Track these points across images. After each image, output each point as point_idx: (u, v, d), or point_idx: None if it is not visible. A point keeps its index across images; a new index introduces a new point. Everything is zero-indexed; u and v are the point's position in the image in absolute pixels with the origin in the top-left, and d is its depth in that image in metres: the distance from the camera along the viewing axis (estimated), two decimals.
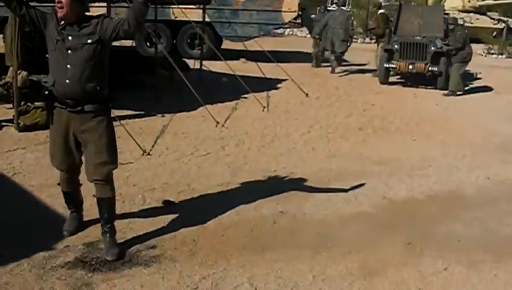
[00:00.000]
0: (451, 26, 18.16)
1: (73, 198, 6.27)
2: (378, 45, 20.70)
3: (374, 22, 22.14)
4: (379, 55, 19.74)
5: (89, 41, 5.39)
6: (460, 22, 19.82)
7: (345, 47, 21.34)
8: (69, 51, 5.39)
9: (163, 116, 11.86)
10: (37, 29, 5.65)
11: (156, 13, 14.94)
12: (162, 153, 9.37)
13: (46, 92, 5.63)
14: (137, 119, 11.57)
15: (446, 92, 17.07)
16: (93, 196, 5.94)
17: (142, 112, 12.05)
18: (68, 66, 5.40)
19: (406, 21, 19.50)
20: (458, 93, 17.12)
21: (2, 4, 5.69)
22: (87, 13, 5.58)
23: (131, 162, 8.79)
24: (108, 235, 5.85)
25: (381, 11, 21.67)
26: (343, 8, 23.06)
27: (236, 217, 6.82)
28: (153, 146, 9.50)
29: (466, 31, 18.33)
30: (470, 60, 17.58)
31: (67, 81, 5.41)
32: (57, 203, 6.83)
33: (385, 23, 20.42)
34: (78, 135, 5.64)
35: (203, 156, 9.37)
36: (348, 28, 21.53)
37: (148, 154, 9.21)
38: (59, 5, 5.30)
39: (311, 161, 9.41)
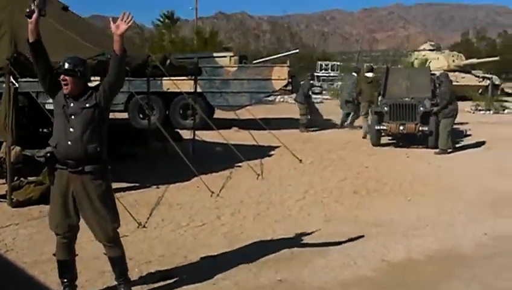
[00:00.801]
0: (439, 81, 18.47)
1: (68, 269, 6.26)
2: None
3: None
4: (362, 113, 21.16)
5: (87, 105, 5.84)
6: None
7: (349, 109, 23.31)
8: (72, 116, 5.83)
9: (157, 188, 11.85)
10: (48, 92, 6.13)
11: (148, 85, 15.08)
12: (158, 225, 9.32)
13: (48, 154, 5.88)
14: (132, 191, 11.56)
15: (437, 150, 17.22)
16: (104, 253, 6.27)
17: (137, 184, 12.04)
18: (71, 129, 5.81)
19: (393, 83, 19.93)
20: (449, 150, 17.27)
21: None
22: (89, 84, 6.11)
23: (127, 235, 8.71)
24: (122, 286, 6.25)
25: (366, 74, 22.45)
26: (354, 74, 24.02)
27: (235, 287, 6.76)
28: (148, 218, 9.46)
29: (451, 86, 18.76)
30: (455, 115, 17.78)
31: (69, 142, 5.78)
32: (51, 280, 6.78)
33: (358, 84, 22.32)
34: (78, 196, 5.90)
35: (199, 226, 9.32)
36: (351, 91, 23.04)
37: (144, 226, 9.16)
38: (64, 82, 5.82)
39: (308, 226, 9.34)
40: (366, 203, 10.98)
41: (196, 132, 16.51)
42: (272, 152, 16.53)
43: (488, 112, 32.46)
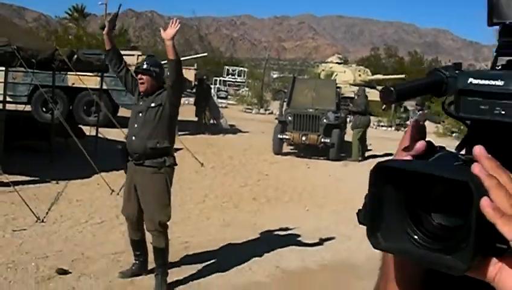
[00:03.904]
0: (357, 94, 19.96)
1: (137, 247, 7.03)
2: None
3: None
4: None
5: (153, 105, 6.49)
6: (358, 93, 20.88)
7: None
8: (140, 114, 6.55)
9: (57, 183, 11.74)
10: (128, 91, 6.91)
11: (53, 79, 14.87)
12: (56, 221, 9.27)
13: (121, 147, 6.81)
14: (31, 185, 11.42)
15: (347, 160, 17.87)
16: (150, 243, 6.80)
17: (37, 178, 11.89)
18: (135, 125, 6.54)
19: (299, 93, 20.06)
20: (359, 160, 17.95)
21: None
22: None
23: (25, 229, 8.68)
24: (159, 276, 6.68)
25: None
26: None
27: (130, 286, 6.82)
28: (47, 213, 9.42)
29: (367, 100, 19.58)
30: (365, 126, 18.86)
31: (133, 138, 6.50)
32: None
33: None
34: (138, 187, 6.57)
35: (97, 224, 9.32)
36: None
37: (42, 221, 9.09)
38: (140, 81, 6.51)
39: (206, 230, 9.49)
40: (265, 211, 11.16)
41: (99, 129, 16.38)
42: (174, 154, 16.47)
43: (389, 128, 33.19)
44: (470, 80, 1.15)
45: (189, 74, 22.50)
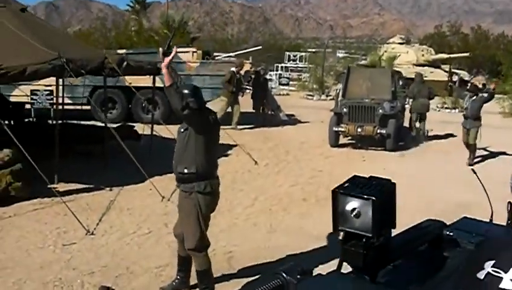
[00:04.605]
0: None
1: (181, 262, 7.24)
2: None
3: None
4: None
5: (182, 130, 6.74)
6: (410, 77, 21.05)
7: None
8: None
9: (111, 190, 12.00)
10: None
11: (105, 83, 15.17)
12: (106, 233, 9.49)
13: None
14: (85, 194, 11.71)
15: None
16: None
17: (91, 186, 12.16)
18: (175, 149, 6.80)
19: (354, 84, 19.88)
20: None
21: None
22: None
23: (75, 243, 8.92)
24: None
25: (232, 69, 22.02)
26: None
27: None
28: (97, 224, 9.66)
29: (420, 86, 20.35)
30: (414, 111, 20.02)
31: (173, 161, 6.78)
32: None
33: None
34: (178, 208, 6.96)
35: (145, 234, 9.51)
36: None
37: (92, 233, 9.33)
38: None
39: (252, 237, 9.56)
40: (313, 213, 11.11)
41: (156, 128, 16.52)
42: (229, 152, 16.50)
43: (454, 110, 32.05)
44: None
45: (245, 67, 22.70)
